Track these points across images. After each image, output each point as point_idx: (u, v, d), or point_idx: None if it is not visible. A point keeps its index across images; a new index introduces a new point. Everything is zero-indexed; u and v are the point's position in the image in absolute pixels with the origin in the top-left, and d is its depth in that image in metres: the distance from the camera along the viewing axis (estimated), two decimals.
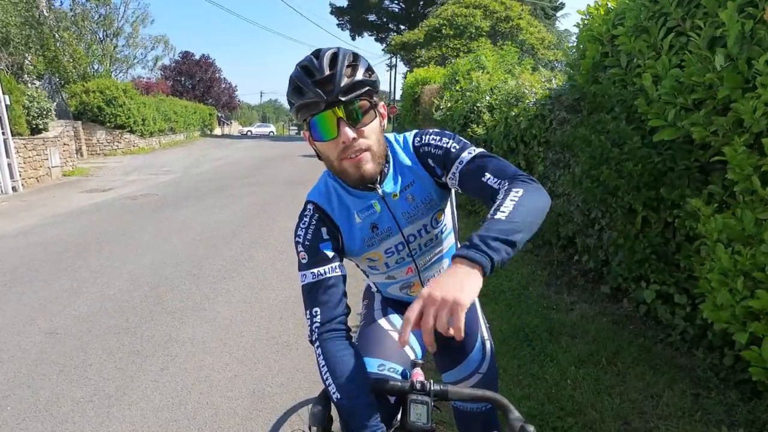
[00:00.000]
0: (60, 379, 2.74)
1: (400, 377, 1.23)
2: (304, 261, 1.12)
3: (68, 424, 2.34)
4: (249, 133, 40.57)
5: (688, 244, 2.64)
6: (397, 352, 1.28)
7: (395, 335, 1.32)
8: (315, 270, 1.11)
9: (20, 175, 9.99)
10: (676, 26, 2.51)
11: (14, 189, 9.72)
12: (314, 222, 1.15)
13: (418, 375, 1.14)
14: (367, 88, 1.03)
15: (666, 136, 2.51)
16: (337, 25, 34.31)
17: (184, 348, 3.08)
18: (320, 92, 0.99)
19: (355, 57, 1.06)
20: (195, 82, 34.77)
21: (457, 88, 8.00)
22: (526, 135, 4.91)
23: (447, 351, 1.41)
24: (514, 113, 5.22)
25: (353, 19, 33.13)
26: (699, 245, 2.42)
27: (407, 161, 1.19)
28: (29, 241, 5.82)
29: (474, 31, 21.01)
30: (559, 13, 31.23)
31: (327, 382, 1.04)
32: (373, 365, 1.24)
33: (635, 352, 2.73)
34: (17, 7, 13.28)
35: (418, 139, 1.19)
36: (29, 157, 10.58)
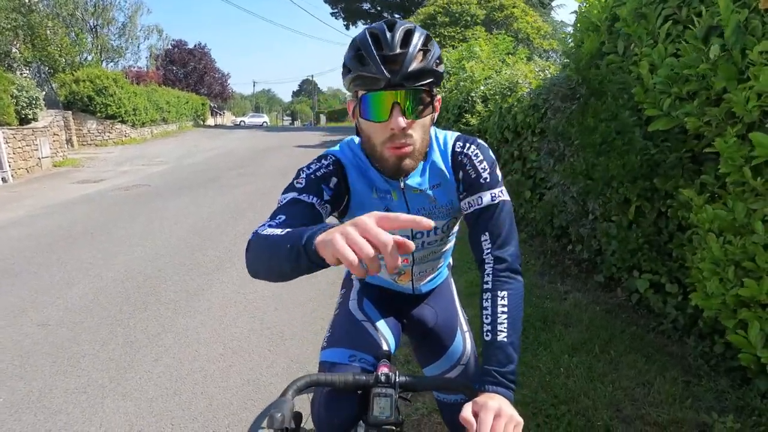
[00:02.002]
0: (53, 370, 2.73)
1: (370, 368, 1.19)
2: (297, 185, 1.02)
3: (61, 415, 2.33)
4: (242, 124, 40.21)
5: (680, 234, 2.65)
6: (369, 343, 1.25)
7: (368, 325, 1.29)
8: (304, 194, 1.00)
9: (10, 166, 9.86)
10: (672, 14, 2.49)
11: (4, 180, 9.60)
12: (331, 167, 1.08)
13: (384, 368, 1.12)
14: (432, 79, 0.95)
15: (661, 125, 2.51)
16: (331, 13, 33.94)
17: (178, 339, 3.08)
18: (384, 70, 0.91)
19: (429, 40, 0.97)
20: (188, 71, 34.35)
21: (450, 79, 7.96)
22: (519, 125, 4.90)
23: (427, 345, 1.40)
24: (508, 104, 5.20)
25: (347, 7, 32.76)
26: (691, 235, 2.43)
27: (440, 163, 1.13)
28: (20, 232, 5.76)
29: (469, 19, 20.87)
30: (554, 3, 31.09)
31: (271, 239, 0.83)
32: (343, 356, 1.21)
33: (628, 340, 2.75)
34: None
35: (460, 144, 1.13)
36: (18, 147, 10.43)
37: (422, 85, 0.94)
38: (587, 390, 2.32)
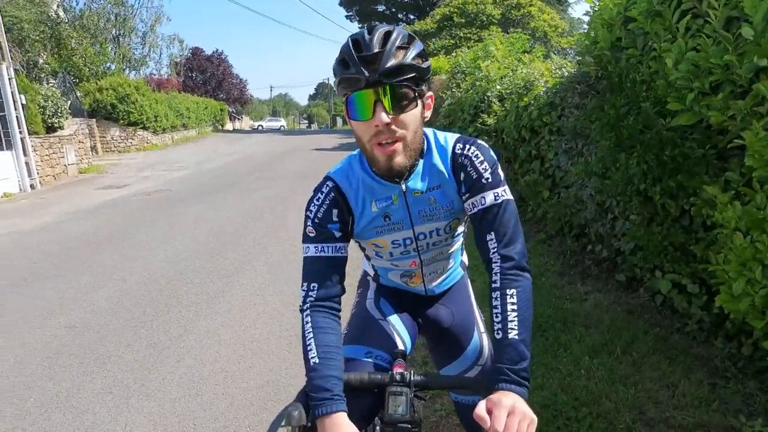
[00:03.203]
0: (80, 371, 2.81)
1: (386, 365, 1.22)
2: (310, 234, 1.13)
3: (89, 414, 2.40)
4: (260, 128, 40.67)
5: (704, 233, 2.58)
6: (385, 340, 1.27)
7: (385, 324, 1.32)
8: (319, 245, 1.12)
9: (38, 173, 10.19)
10: (691, 8, 2.44)
11: (32, 186, 9.93)
12: (328, 201, 1.14)
13: (400, 366, 1.13)
14: (413, 74, 0.98)
15: (684, 120, 2.45)
16: (346, 16, 34.18)
17: (200, 340, 3.13)
18: (363, 69, 0.95)
19: (410, 39, 1.00)
20: (206, 77, 34.94)
21: (467, 80, 7.92)
22: (536, 124, 4.84)
23: (443, 346, 1.40)
24: (524, 102, 5.15)
25: (362, 10, 32.91)
26: (716, 234, 2.37)
27: (440, 164, 1.14)
28: (48, 237, 5.94)
29: (485, 18, 20.74)
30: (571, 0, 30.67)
31: (308, 347, 1.05)
32: (360, 353, 1.24)
33: (650, 341, 2.70)
34: (31, 3, 13.48)
35: (460, 146, 1.14)
36: (46, 155, 10.78)
37: (403, 80, 0.97)
38: (609, 392, 2.28)
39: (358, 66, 0.96)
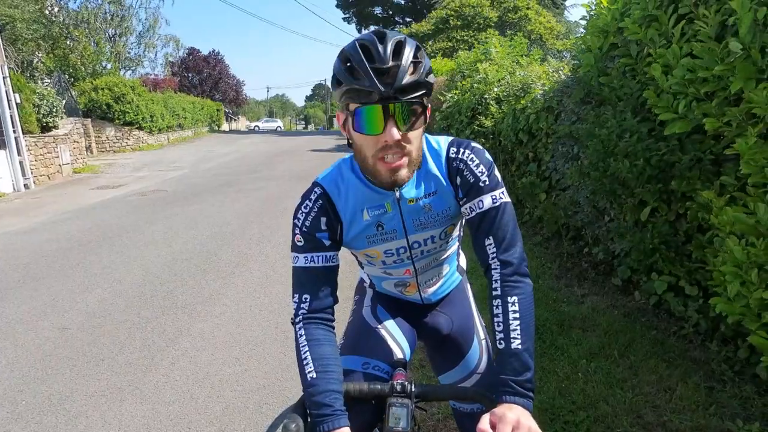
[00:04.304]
0: (73, 374, 2.78)
1: (384, 376, 1.19)
2: (299, 244, 1.10)
3: (82, 418, 2.37)
4: (256, 129, 40.67)
5: (700, 236, 2.59)
6: (383, 350, 1.24)
7: (383, 332, 1.29)
8: (309, 255, 1.08)
9: (32, 173, 10.12)
10: (688, 13, 2.45)
11: (26, 186, 9.85)
12: (316, 209, 1.09)
13: (400, 376, 1.10)
14: (424, 90, 0.95)
15: (677, 128, 2.46)
16: (343, 18, 34.22)
17: (195, 342, 3.11)
18: (377, 83, 0.90)
19: (419, 51, 0.97)
20: (203, 77, 34.82)
21: (465, 82, 7.92)
22: (534, 127, 4.85)
23: (442, 353, 1.38)
24: (521, 105, 5.16)
25: (359, 12, 32.96)
26: (711, 237, 2.38)
27: (435, 170, 1.11)
28: (41, 237, 5.89)
29: (482, 21, 20.81)
30: (567, 3, 30.87)
31: (304, 360, 1.03)
32: (357, 363, 1.21)
33: (648, 345, 2.70)
34: (25, 2, 13.40)
35: (454, 149, 1.10)
36: (40, 154, 10.69)
37: (415, 97, 0.94)
38: (606, 396, 2.28)
39: (371, 79, 0.91)
